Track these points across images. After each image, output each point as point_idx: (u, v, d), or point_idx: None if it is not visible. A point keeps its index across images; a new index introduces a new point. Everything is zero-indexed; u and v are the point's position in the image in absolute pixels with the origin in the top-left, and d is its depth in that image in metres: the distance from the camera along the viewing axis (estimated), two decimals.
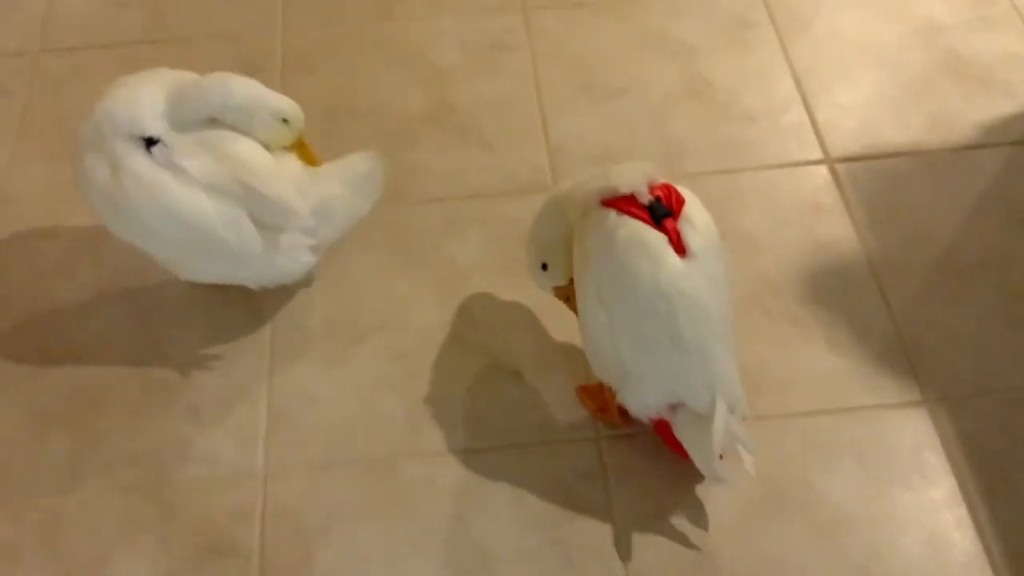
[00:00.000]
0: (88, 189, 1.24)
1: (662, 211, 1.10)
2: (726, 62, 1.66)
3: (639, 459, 1.23)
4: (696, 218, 1.12)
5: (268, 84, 1.61)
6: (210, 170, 1.21)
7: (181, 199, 1.20)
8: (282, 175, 1.26)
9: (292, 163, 1.29)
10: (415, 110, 1.61)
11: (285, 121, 1.27)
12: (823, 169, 1.52)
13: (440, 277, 1.41)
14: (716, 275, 1.11)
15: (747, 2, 1.75)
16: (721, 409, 1.08)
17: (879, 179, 1.51)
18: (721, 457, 1.10)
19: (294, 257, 1.29)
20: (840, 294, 1.38)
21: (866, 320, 1.35)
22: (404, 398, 1.29)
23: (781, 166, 1.53)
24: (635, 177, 1.11)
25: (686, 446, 1.13)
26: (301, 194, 1.26)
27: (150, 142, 1.21)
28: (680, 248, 1.09)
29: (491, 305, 1.38)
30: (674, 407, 1.13)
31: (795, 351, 1.32)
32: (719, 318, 1.10)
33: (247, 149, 1.25)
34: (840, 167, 1.52)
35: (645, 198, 1.11)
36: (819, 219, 1.46)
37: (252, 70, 1.65)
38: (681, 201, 1.13)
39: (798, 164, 1.53)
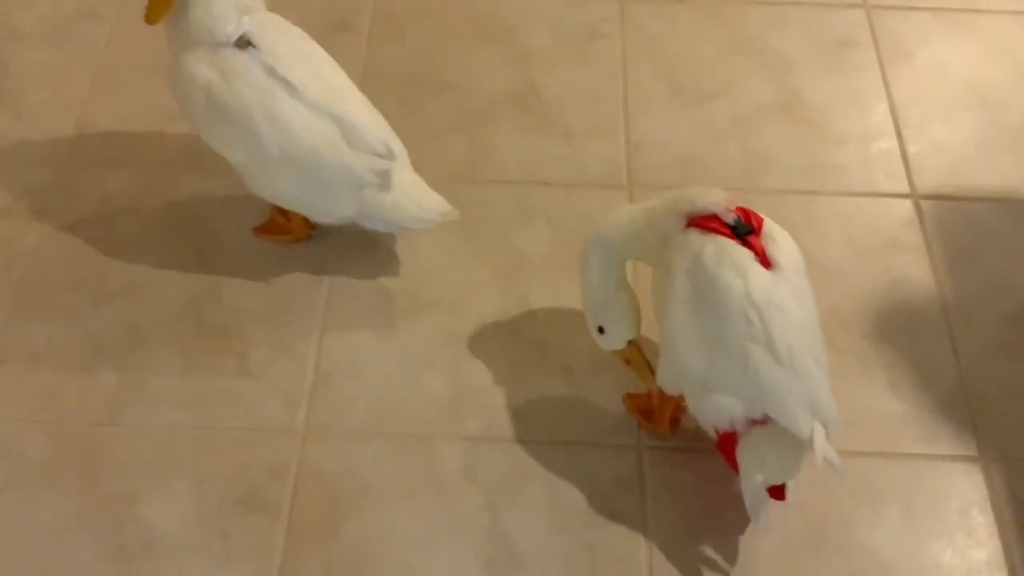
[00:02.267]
0: (189, 90, 1.23)
1: (744, 229, 1.11)
2: (822, 80, 1.61)
3: (680, 474, 1.21)
4: (778, 235, 1.13)
5: (354, 44, 1.64)
6: (313, 90, 1.23)
7: (292, 116, 1.22)
8: (373, 113, 1.30)
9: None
10: (499, 89, 1.59)
11: None
12: (908, 204, 1.48)
13: (502, 263, 1.39)
14: (803, 290, 1.11)
15: (853, 21, 1.69)
16: (820, 432, 1.04)
17: (964, 222, 1.46)
18: (780, 495, 1.07)
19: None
20: (909, 335, 1.34)
21: (932, 366, 1.31)
22: (451, 379, 1.28)
23: (865, 195, 1.48)
24: (718, 197, 1.11)
25: (743, 467, 1.09)
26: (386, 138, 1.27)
27: (244, 42, 1.22)
28: (766, 262, 1.09)
29: (550, 298, 1.35)
30: (753, 422, 1.09)
31: (855, 388, 1.28)
32: (809, 332, 1.09)
33: (339, 78, 1.29)
34: (925, 204, 1.47)
35: (729, 217, 1.10)
36: (897, 255, 1.42)
37: (341, 28, 1.64)
38: (760, 220, 1.13)
39: (883, 195, 1.49)
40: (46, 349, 1.28)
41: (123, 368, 1.27)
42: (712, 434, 1.13)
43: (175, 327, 1.31)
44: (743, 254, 1.09)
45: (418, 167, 1.47)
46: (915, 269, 1.40)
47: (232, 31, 1.22)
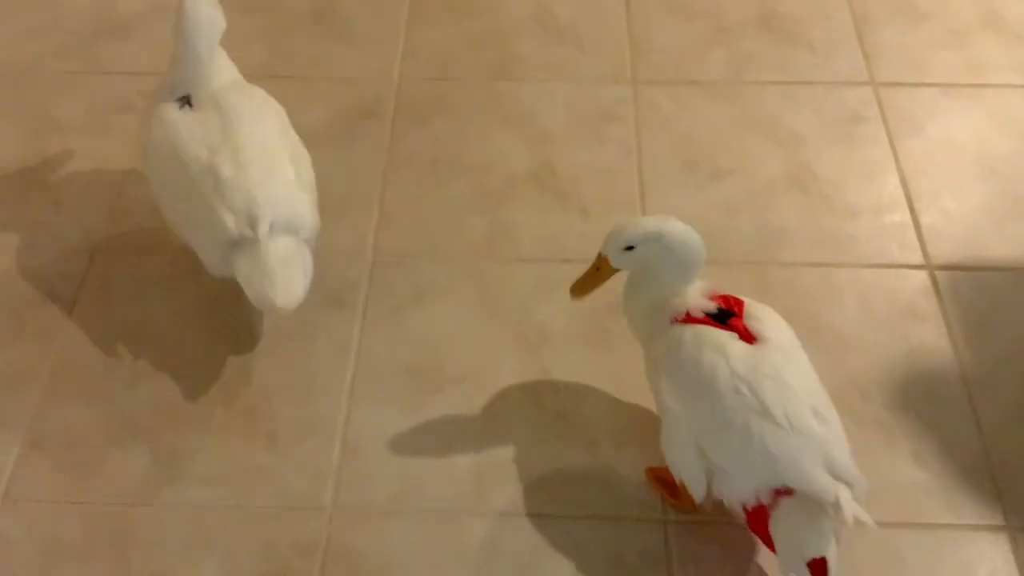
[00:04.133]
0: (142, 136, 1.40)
1: (726, 314, 1.16)
2: (833, 155, 1.65)
3: (707, 548, 1.21)
4: (762, 313, 1.17)
5: (378, 132, 1.70)
6: (210, 129, 1.33)
7: (181, 134, 1.34)
8: (271, 177, 1.32)
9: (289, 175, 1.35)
10: (518, 169, 1.64)
11: None
12: (923, 274, 1.50)
13: (525, 337, 1.42)
14: (793, 355, 1.14)
15: (861, 98, 1.74)
16: (844, 492, 1.05)
17: (980, 291, 1.48)
18: (822, 571, 1.06)
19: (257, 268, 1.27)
20: (930, 405, 1.35)
21: (954, 436, 1.32)
22: (475, 454, 1.30)
23: (880, 266, 1.51)
24: (697, 298, 1.18)
25: (779, 543, 1.09)
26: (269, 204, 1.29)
27: (184, 100, 1.37)
28: (750, 338, 1.14)
29: (572, 371, 1.38)
30: (778, 493, 1.09)
31: (879, 459, 1.29)
32: (807, 395, 1.11)
33: (252, 134, 1.35)
34: (940, 274, 1.50)
35: (709, 307, 1.17)
36: (914, 325, 1.43)
37: (365, 115, 1.71)
38: (740, 303, 1.18)
39: (897, 266, 1.51)
40: (80, 430, 1.32)
41: (155, 448, 1.30)
42: (740, 512, 1.13)
43: (206, 407, 1.34)
44: (721, 334, 1.13)
45: (441, 246, 1.53)
46: (933, 338, 1.42)
47: (181, 94, 1.37)
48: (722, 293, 1.19)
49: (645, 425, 1.31)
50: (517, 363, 1.39)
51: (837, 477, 1.06)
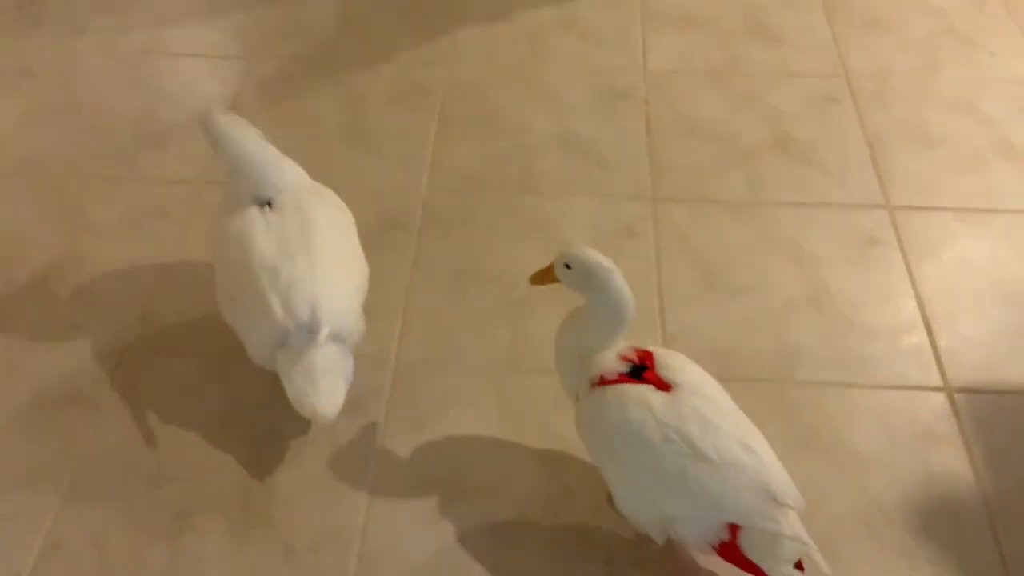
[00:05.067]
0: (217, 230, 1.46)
1: (639, 369, 1.24)
2: (850, 276, 1.68)
3: None
4: (670, 361, 1.25)
5: (404, 242, 1.74)
6: (288, 226, 1.39)
7: (258, 227, 1.39)
8: (342, 295, 1.36)
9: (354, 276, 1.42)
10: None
11: None
12: (941, 397, 1.50)
13: (545, 449, 1.42)
14: (709, 393, 1.22)
15: (877, 221, 1.78)
16: (789, 516, 1.13)
17: (1000, 415, 1.48)
18: (800, 567, 1.13)
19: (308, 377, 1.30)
20: (952, 531, 1.34)
21: (976, 563, 1.30)
22: (493, 569, 1.29)
23: (898, 387, 1.52)
24: (611, 360, 1.25)
25: (759, 561, 1.15)
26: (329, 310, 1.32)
27: (266, 203, 1.43)
28: (664, 387, 1.21)
29: (592, 484, 1.38)
30: (736, 527, 1.15)
31: None
32: (731, 427, 1.18)
33: (326, 238, 1.40)
34: (959, 397, 1.50)
35: (622, 366, 1.24)
36: (934, 448, 1.43)
37: (393, 226, 1.76)
38: (650, 355, 1.26)
39: (916, 388, 1.52)
40: (100, 534, 1.32)
41: (173, 553, 1.30)
42: (711, 551, 1.19)
43: (226, 514, 1.34)
44: (640, 389, 1.21)
45: (464, 356, 1.55)
46: (953, 462, 1.42)
47: (264, 197, 1.43)
48: (635, 349, 1.26)
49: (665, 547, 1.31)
50: (537, 474, 1.39)
51: (779, 502, 1.13)
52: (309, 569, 1.29)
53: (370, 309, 1.48)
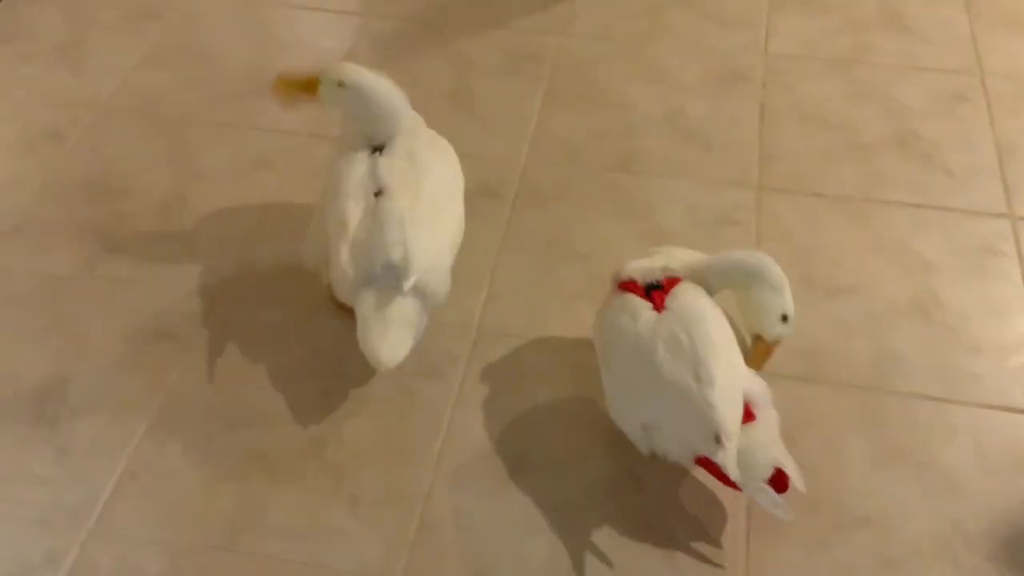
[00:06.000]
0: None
1: (653, 286, 1.32)
2: (961, 286, 1.59)
3: None
4: (681, 292, 1.30)
5: (497, 211, 1.73)
6: (396, 169, 1.40)
7: (347, 175, 1.40)
8: (426, 232, 1.36)
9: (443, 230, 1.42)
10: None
11: None
12: None
13: (616, 434, 1.39)
14: (692, 322, 1.26)
15: (997, 231, 1.68)
16: (723, 453, 1.18)
17: None
18: (781, 485, 1.18)
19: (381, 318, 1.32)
20: None
21: None
22: (551, 547, 1.28)
23: (1000, 408, 1.43)
24: (638, 268, 1.34)
25: (736, 476, 1.19)
26: (422, 255, 1.33)
27: (377, 149, 1.45)
28: (659, 307, 1.29)
29: (660, 473, 1.34)
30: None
31: None
32: (696, 356, 1.22)
33: (433, 189, 1.41)
34: None
35: (645, 280, 1.32)
36: None
37: (488, 194, 1.75)
38: (675, 281, 1.32)
39: (1018, 411, 1.43)
40: (176, 468, 1.36)
41: (243, 495, 1.33)
42: (692, 465, 1.25)
43: (297, 461, 1.37)
44: (639, 303, 1.30)
45: (545, 331, 1.54)
46: None
47: (377, 142, 1.44)
48: (666, 274, 1.33)
49: (729, 537, 1.27)
50: (605, 459, 1.37)
51: (715, 436, 1.18)
52: (371, 525, 1.30)
53: (457, 275, 1.48)
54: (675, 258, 1.37)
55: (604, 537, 1.29)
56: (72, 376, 1.47)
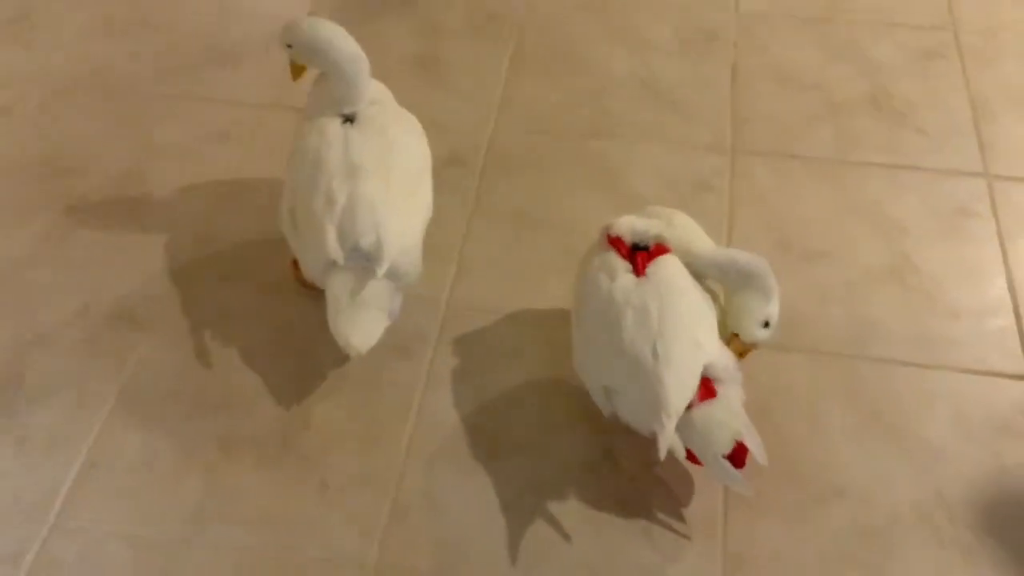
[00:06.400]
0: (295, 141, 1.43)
1: (639, 247, 1.28)
2: (937, 249, 1.57)
3: None
4: (664, 263, 1.27)
5: (466, 178, 1.68)
6: (361, 149, 1.34)
7: (324, 147, 1.35)
8: (398, 214, 1.32)
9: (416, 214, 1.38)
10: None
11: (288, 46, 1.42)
12: (1022, 387, 1.40)
13: (592, 410, 1.36)
14: (668, 298, 1.23)
15: (972, 191, 1.65)
16: (664, 433, 1.16)
17: None
18: (739, 459, 1.16)
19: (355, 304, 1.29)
20: (1019, 531, 1.25)
21: None
22: (525, 533, 1.25)
23: (977, 373, 1.42)
24: (629, 227, 1.29)
25: (692, 448, 1.20)
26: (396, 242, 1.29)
27: (348, 119, 1.39)
28: (639, 272, 1.25)
29: (637, 451, 1.32)
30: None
31: None
32: (659, 329, 1.20)
33: (405, 170, 1.37)
34: None
35: (630, 240, 1.28)
36: (1010, 442, 1.34)
37: (455, 163, 1.70)
38: (663, 250, 1.28)
39: (996, 375, 1.41)
40: (138, 456, 1.32)
41: (208, 483, 1.29)
42: (647, 434, 1.22)
43: (263, 447, 1.33)
44: (617, 261, 1.27)
45: (518, 305, 1.50)
46: None
47: (348, 110, 1.39)
48: (658, 241, 1.28)
49: (707, 512, 1.25)
50: (581, 437, 1.34)
51: (664, 414, 1.16)
52: (342, 509, 1.27)
53: (425, 249, 1.43)
54: (675, 225, 1.33)
55: (581, 517, 1.26)
56: (29, 362, 1.41)
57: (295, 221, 1.37)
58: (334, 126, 1.38)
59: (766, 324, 1.30)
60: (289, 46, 1.42)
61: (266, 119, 1.78)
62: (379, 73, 1.83)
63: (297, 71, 1.47)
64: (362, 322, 1.27)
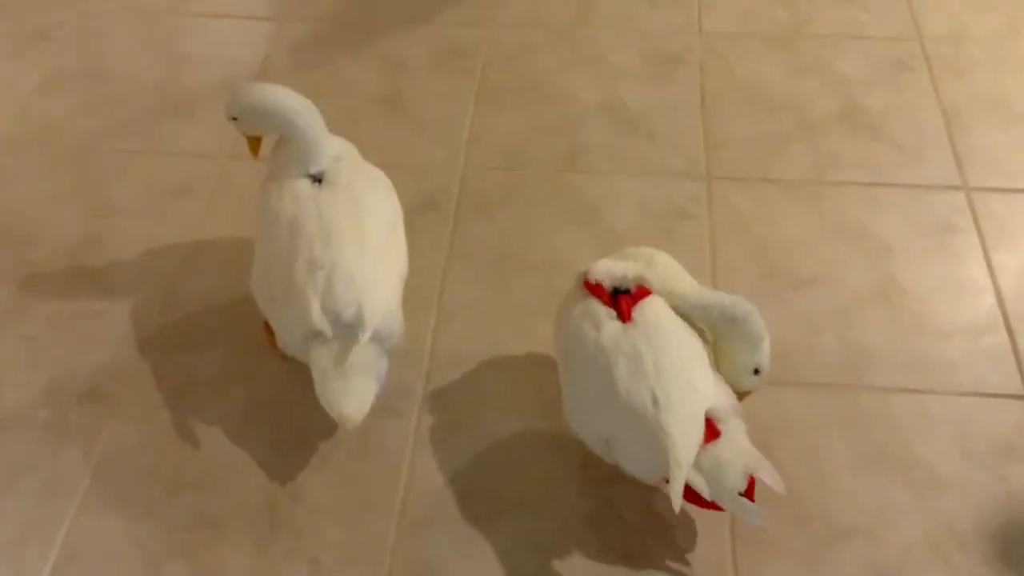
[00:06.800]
0: (261, 207, 1.36)
1: (620, 291, 1.24)
2: (924, 268, 1.55)
3: None
4: (650, 305, 1.23)
5: (439, 224, 1.63)
6: (333, 213, 1.29)
7: (298, 212, 1.29)
8: (375, 280, 1.27)
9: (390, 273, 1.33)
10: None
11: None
12: (1022, 406, 1.38)
13: (590, 457, 1.31)
14: (659, 342, 1.19)
15: (953, 205, 1.64)
16: (674, 482, 1.11)
17: None
18: (749, 495, 1.13)
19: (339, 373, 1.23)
20: None
21: None
22: None
23: (975, 395, 1.39)
24: (607, 272, 1.25)
25: (711, 495, 1.14)
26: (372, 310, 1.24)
27: (315, 178, 1.34)
28: (625, 318, 1.21)
29: (640, 501, 1.28)
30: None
31: None
32: (656, 376, 1.16)
33: (377, 229, 1.32)
34: None
35: (610, 284, 1.24)
36: (1015, 465, 1.31)
37: (428, 207, 1.65)
38: (644, 293, 1.25)
39: (995, 396, 1.39)
40: (117, 545, 1.24)
41: (194, 566, 1.22)
42: (661, 485, 1.19)
43: (250, 524, 1.26)
44: (601, 308, 1.23)
45: (502, 347, 1.45)
46: None
47: (315, 170, 1.34)
48: (639, 284, 1.25)
49: (716, 558, 1.21)
50: (581, 488, 1.29)
51: (674, 466, 1.12)
52: None
53: (403, 300, 1.38)
54: (656, 264, 1.29)
55: (588, 573, 1.22)
56: None
57: (272, 292, 1.31)
58: (305, 188, 1.32)
59: (756, 371, 1.26)
60: (235, 119, 1.37)
61: (228, 170, 1.71)
62: (343, 114, 1.79)
63: (253, 144, 1.42)
64: (353, 391, 1.22)
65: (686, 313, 1.26)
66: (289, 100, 1.35)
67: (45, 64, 1.90)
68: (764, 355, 1.25)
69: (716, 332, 1.26)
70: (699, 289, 1.29)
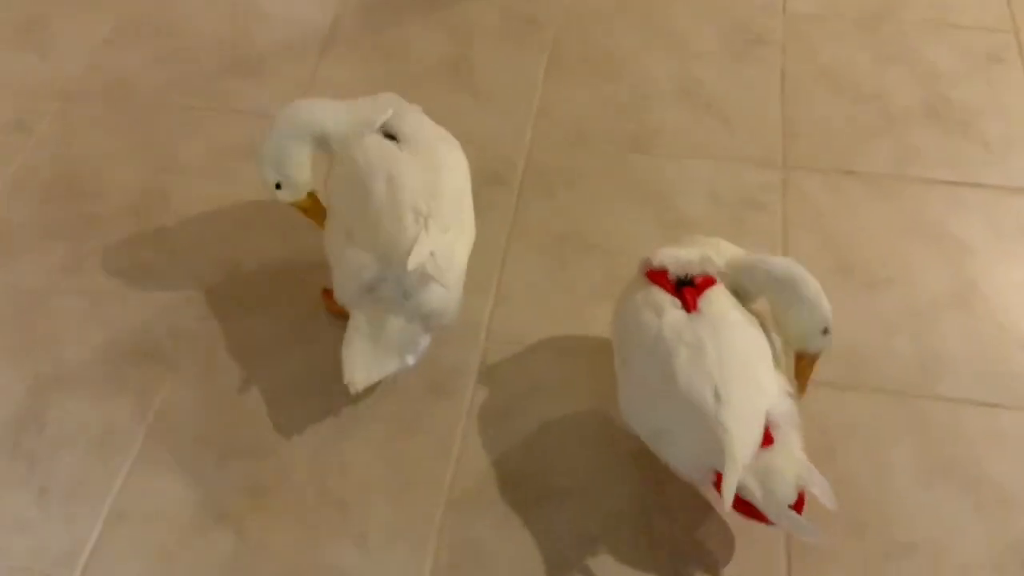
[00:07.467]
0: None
1: (685, 282, 1.20)
2: (1007, 274, 1.48)
3: None
4: (717, 296, 1.19)
5: (503, 201, 1.59)
6: (421, 172, 1.28)
7: (399, 164, 1.27)
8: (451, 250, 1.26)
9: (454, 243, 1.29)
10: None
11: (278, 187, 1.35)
12: None
13: (640, 449, 1.28)
14: (727, 333, 1.15)
15: None
16: (727, 483, 1.07)
17: None
18: (798, 508, 1.09)
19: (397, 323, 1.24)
20: None
21: None
22: None
23: None
24: (673, 258, 1.21)
25: (761, 506, 1.10)
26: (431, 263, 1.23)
27: (389, 136, 1.33)
28: (690, 308, 1.18)
29: (690, 496, 1.25)
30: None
31: None
32: (721, 370, 1.12)
33: (454, 200, 1.30)
34: None
35: (678, 273, 1.20)
36: None
37: (492, 181, 1.61)
38: (710, 283, 1.20)
39: None
40: (167, 506, 1.25)
41: (240, 533, 1.23)
42: (710, 486, 1.15)
43: (298, 494, 1.26)
44: (665, 297, 1.19)
45: (560, 330, 1.42)
46: None
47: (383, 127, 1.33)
48: (706, 272, 1.21)
49: (770, 569, 1.18)
50: (630, 480, 1.26)
51: (730, 465, 1.08)
52: (381, 566, 1.20)
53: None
54: (721, 252, 1.24)
55: (633, 570, 1.19)
56: (49, 405, 1.35)
57: (352, 237, 1.28)
58: (383, 141, 1.31)
59: (825, 331, 1.21)
60: (278, 186, 1.36)
61: None
62: (408, 82, 1.76)
63: (311, 209, 1.40)
64: (370, 360, 1.23)
65: (745, 287, 1.22)
66: (300, 118, 1.35)
67: (116, 17, 1.90)
68: (826, 312, 1.19)
69: (772, 301, 1.22)
70: (749, 256, 1.24)
